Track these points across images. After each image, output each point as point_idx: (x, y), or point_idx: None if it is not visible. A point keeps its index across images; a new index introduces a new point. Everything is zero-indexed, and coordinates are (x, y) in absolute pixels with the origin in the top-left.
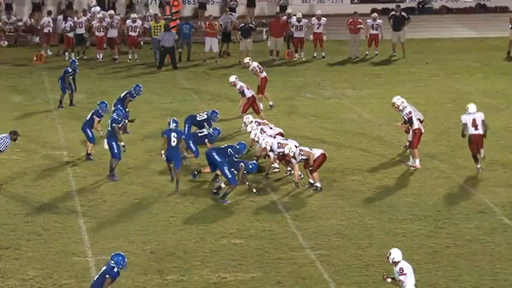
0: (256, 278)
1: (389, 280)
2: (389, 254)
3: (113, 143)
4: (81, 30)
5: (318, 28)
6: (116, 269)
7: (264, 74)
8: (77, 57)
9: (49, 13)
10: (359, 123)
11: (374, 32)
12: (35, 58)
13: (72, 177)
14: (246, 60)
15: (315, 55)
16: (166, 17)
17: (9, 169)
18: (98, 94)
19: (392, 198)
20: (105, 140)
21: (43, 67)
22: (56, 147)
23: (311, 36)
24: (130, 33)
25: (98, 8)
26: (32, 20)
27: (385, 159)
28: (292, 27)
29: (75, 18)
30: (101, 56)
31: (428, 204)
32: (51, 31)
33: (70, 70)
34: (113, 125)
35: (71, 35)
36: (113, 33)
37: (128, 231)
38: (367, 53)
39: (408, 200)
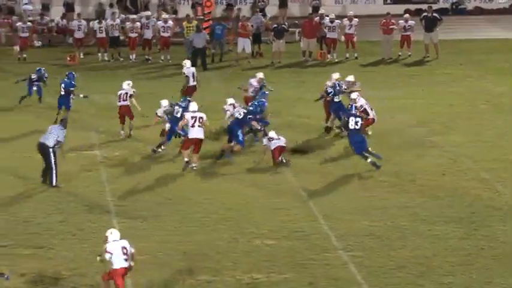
0: (288, 279)
1: (98, 258)
2: (108, 234)
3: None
4: (115, 33)
5: (349, 29)
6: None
7: None
8: (112, 59)
9: (78, 15)
10: (391, 124)
11: (406, 33)
12: (68, 58)
13: (105, 177)
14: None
15: (347, 56)
16: (198, 17)
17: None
18: None
19: (426, 199)
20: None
21: (76, 67)
22: (89, 147)
23: (342, 37)
24: (162, 34)
25: (29, 7)
26: (65, 20)
27: (417, 160)
28: (325, 28)
29: (109, 21)
30: (134, 57)
31: (462, 205)
32: (83, 34)
33: (34, 77)
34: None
35: (103, 35)
36: (148, 34)
37: (161, 232)
38: (399, 54)
39: (442, 201)
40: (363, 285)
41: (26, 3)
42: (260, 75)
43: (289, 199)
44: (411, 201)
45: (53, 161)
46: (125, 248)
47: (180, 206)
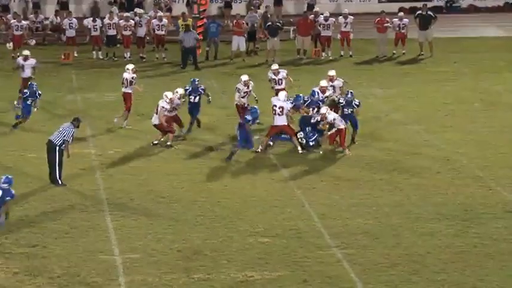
0: (282, 277)
1: None
2: None
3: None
4: (112, 32)
5: (345, 27)
6: (12, 191)
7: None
8: (107, 58)
9: (69, 14)
10: (386, 123)
11: (400, 31)
12: (62, 56)
13: (99, 176)
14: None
15: (342, 54)
16: (194, 15)
17: (37, 167)
18: None
19: (420, 197)
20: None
21: (71, 66)
22: (83, 146)
23: (338, 35)
24: (157, 32)
25: None
26: (59, 18)
27: (411, 158)
28: (320, 26)
29: (106, 19)
30: (129, 55)
31: (455, 203)
32: (74, 33)
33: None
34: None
35: (97, 33)
36: (141, 32)
37: (155, 230)
38: (394, 52)
39: (436, 199)
40: (356, 283)
41: None
42: (340, 83)
43: (283, 197)
44: (405, 199)
45: (57, 160)
46: None
47: (175, 204)
